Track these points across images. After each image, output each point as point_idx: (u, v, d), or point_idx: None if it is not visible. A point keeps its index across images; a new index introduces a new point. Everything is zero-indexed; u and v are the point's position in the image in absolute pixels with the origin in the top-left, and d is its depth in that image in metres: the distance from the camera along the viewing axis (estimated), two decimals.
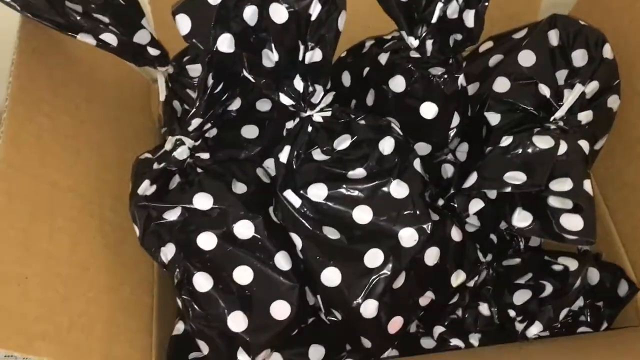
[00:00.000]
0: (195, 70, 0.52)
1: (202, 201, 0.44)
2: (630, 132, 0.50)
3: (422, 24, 0.42)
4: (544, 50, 0.50)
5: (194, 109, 0.47)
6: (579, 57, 0.48)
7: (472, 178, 0.44)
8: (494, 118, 0.49)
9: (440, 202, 0.52)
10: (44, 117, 0.44)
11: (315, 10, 0.41)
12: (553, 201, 0.41)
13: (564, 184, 0.41)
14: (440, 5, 0.41)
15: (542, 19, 0.53)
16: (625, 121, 0.50)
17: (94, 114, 0.50)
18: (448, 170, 0.55)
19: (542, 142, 0.43)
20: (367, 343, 0.45)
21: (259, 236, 0.44)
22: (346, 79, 0.55)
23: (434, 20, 0.42)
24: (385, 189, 0.44)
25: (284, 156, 0.44)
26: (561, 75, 0.49)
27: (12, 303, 0.36)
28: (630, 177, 0.50)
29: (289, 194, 0.43)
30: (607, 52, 0.48)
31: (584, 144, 0.46)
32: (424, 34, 0.43)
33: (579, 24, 0.50)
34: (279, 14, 0.41)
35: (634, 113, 0.50)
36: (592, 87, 0.47)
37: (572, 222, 0.40)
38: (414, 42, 0.43)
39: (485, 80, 0.52)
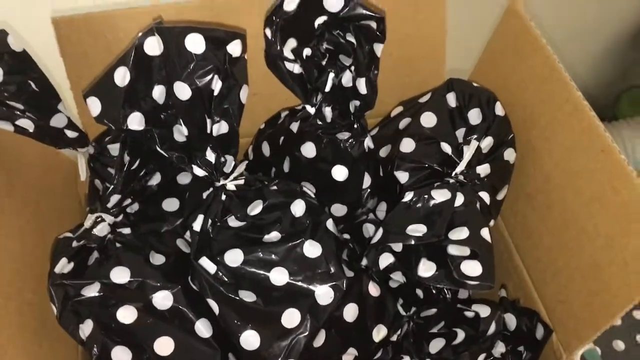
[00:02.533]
0: (116, 149, 0.54)
1: (119, 274, 0.45)
2: (530, 183, 0.53)
3: (317, 92, 0.46)
4: (444, 111, 0.53)
5: (112, 186, 0.49)
6: (475, 116, 0.52)
7: (379, 233, 0.46)
8: (403, 176, 0.52)
9: (365, 261, 0.54)
10: None
11: (216, 86, 0.43)
12: (452, 249, 0.43)
13: (461, 233, 0.44)
14: (331, 75, 0.44)
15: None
16: (525, 173, 0.54)
17: (15, 200, 0.51)
18: (370, 230, 0.57)
19: (440, 195, 0.46)
20: None
21: (178, 305, 0.45)
22: (265, 148, 0.58)
23: (327, 89, 0.45)
24: (299, 249, 0.46)
25: (197, 225, 0.46)
26: (460, 133, 0.52)
27: None
28: (535, 225, 0.53)
29: (204, 262, 0.44)
30: (499, 109, 0.52)
31: (484, 195, 0.49)
32: (319, 102, 0.46)
33: (473, 85, 0.54)
34: (183, 91, 0.44)
35: (531, 165, 0.53)
36: (487, 142, 0.50)
37: (471, 268, 0.42)
38: (311, 109, 0.46)
39: (395, 142, 0.55)
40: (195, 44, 0.42)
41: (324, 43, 0.45)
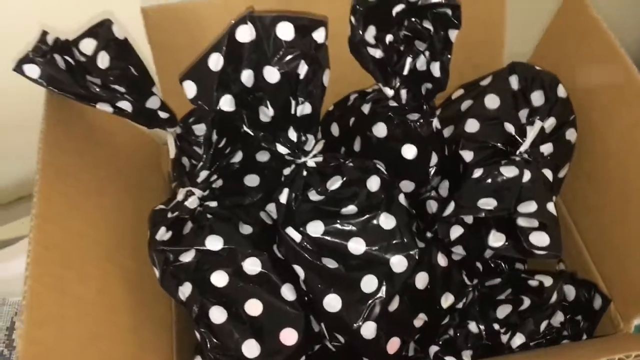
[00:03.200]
0: (200, 129, 0.58)
1: (214, 243, 0.49)
2: (590, 161, 0.56)
3: (396, 76, 0.49)
4: (507, 93, 0.56)
5: (201, 163, 0.53)
6: (537, 98, 0.55)
7: (450, 207, 0.50)
8: (468, 155, 0.55)
9: (428, 234, 0.58)
10: (72, 178, 0.50)
11: (302, 70, 0.47)
12: (521, 221, 0.47)
13: (529, 206, 0.47)
14: (409, 59, 0.48)
15: (503, 67, 0.60)
16: (585, 152, 0.56)
17: (113, 173, 0.56)
18: (432, 206, 0.61)
19: (508, 171, 0.49)
20: None
21: (265, 271, 0.49)
22: (335, 129, 0.62)
23: (405, 72, 0.48)
24: (375, 221, 0.49)
25: (283, 197, 0.50)
26: (523, 114, 0.56)
27: (52, 340, 0.41)
28: (594, 201, 0.56)
29: (290, 231, 0.49)
30: (561, 91, 0.55)
31: (547, 173, 0.52)
32: (397, 85, 0.49)
33: (535, 69, 0.57)
34: (272, 75, 0.47)
35: (591, 144, 0.56)
36: (550, 122, 0.53)
37: (540, 239, 0.46)
38: (389, 92, 0.50)
39: (458, 123, 0.58)
40: (285, 31, 0.46)
41: (403, 29, 0.48)
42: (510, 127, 0.54)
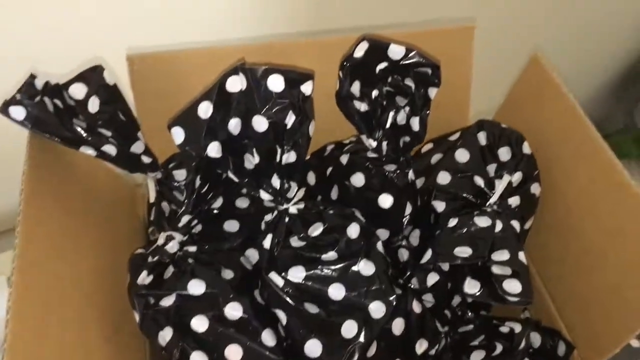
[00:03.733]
0: (180, 174, 0.59)
1: (196, 287, 0.50)
2: (552, 215, 0.60)
3: (379, 128, 0.52)
4: (475, 148, 0.60)
5: (183, 208, 0.54)
6: (504, 153, 0.59)
7: (428, 254, 0.52)
8: (440, 205, 0.58)
9: (400, 282, 0.60)
10: (52, 219, 0.50)
11: (290, 120, 0.49)
12: (496, 269, 0.49)
13: (502, 255, 0.50)
14: (392, 113, 0.51)
15: (471, 124, 0.64)
16: (547, 206, 0.60)
17: (91, 216, 0.56)
18: (404, 254, 0.63)
19: (482, 221, 0.52)
20: None
21: (246, 316, 0.50)
22: (311, 178, 0.63)
23: (387, 125, 0.51)
24: (354, 268, 0.51)
25: (267, 243, 0.51)
26: (491, 168, 0.59)
27: None
28: (556, 253, 0.59)
29: (273, 276, 0.50)
30: (526, 148, 0.59)
31: (515, 224, 0.55)
32: (380, 137, 0.52)
33: (501, 126, 0.61)
34: (260, 124, 0.49)
35: (553, 199, 0.60)
36: (517, 177, 0.57)
37: (512, 286, 0.48)
38: (372, 143, 0.53)
39: (429, 175, 0.61)
40: (276, 83, 0.48)
41: (386, 85, 0.51)
42: (479, 180, 0.58)
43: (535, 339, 0.57)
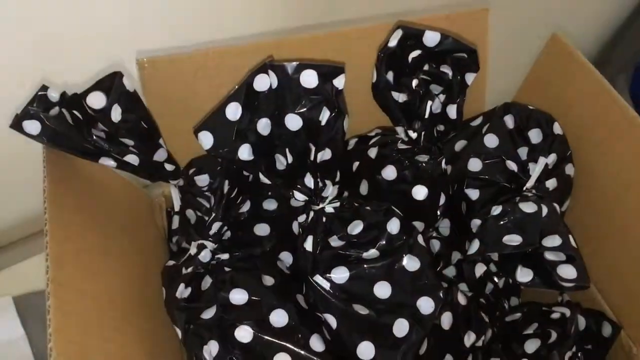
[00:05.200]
0: (202, 180, 0.57)
1: (238, 296, 0.47)
2: (586, 195, 0.59)
3: (417, 120, 0.50)
4: (504, 132, 0.58)
5: (213, 214, 0.52)
6: (535, 136, 0.57)
7: (475, 245, 0.51)
8: (473, 193, 0.56)
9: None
10: (78, 237, 0.47)
11: (324, 116, 0.47)
12: (549, 255, 0.48)
13: (554, 240, 0.48)
14: (429, 103, 0.49)
15: (494, 107, 0.62)
16: (580, 186, 0.59)
17: (114, 230, 0.53)
18: (435, 246, 0.62)
19: (527, 207, 0.50)
20: None
21: (293, 322, 0.48)
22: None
23: (426, 115, 0.49)
24: (399, 264, 0.49)
25: (308, 245, 0.49)
26: (522, 152, 0.58)
27: None
28: (592, 231, 0.58)
29: (318, 278, 0.48)
30: (557, 128, 0.57)
31: (556, 208, 0.54)
32: (419, 128, 0.50)
33: (529, 108, 0.59)
34: (294, 122, 0.47)
35: (587, 178, 0.58)
36: (552, 158, 0.56)
37: (568, 272, 0.47)
38: (412, 134, 0.51)
39: (456, 162, 0.60)
40: (309, 78, 0.46)
41: (423, 74, 0.49)
42: (512, 165, 0.56)
43: (580, 321, 0.56)
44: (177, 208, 0.55)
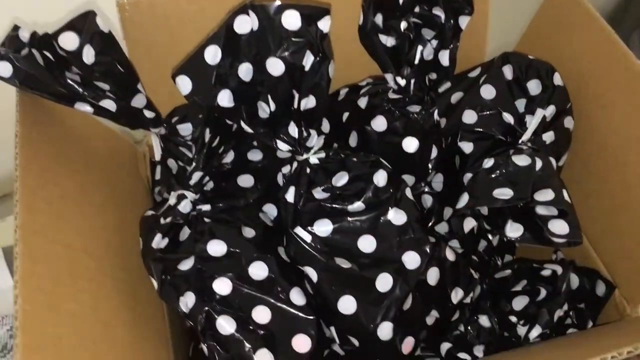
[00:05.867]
0: (185, 129, 0.55)
1: (216, 248, 0.46)
2: (586, 149, 0.56)
3: (406, 65, 0.47)
4: (502, 83, 0.56)
5: (194, 164, 0.50)
6: (534, 87, 0.55)
7: (464, 199, 0.49)
8: (467, 147, 0.54)
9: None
10: (52, 184, 0.46)
11: (308, 61, 0.45)
12: (540, 210, 0.46)
13: (546, 194, 0.46)
14: (420, 48, 0.46)
15: (493, 58, 0.59)
16: (579, 139, 0.56)
17: (93, 178, 0.52)
18: (427, 201, 0.59)
19: (520, 160, 0.48)
20: None
21: (273, 275, 0.46)
22: (325, 125, 0.59)
23: (416, 61, 0.47)
24: (384, 217, 0.48)
25: (290, 196, 0.47)
26: (520, 104, 0.55)
27: None
28: (592, 188, 0.56)
29: (299, 231, 0.46)
30: (558, 79, 0.55)
31: (552, 161, 0.51)
32: (408, 75, 0.48)
33: (529, 58, 0.56)
34: (276, 67, 0.45)
35: (587, 132, 0.56)
36: (551, 110, 0.53)
37: (559, 227, 0.45)
38: (401, 81, 0.48)
39: (451, 115, 0.57)
40: (291, 20, 0.43)
41: (412, 17, 0.46)
42: (509, 117, 0.54)
43: (573, 280, 0.54)
44: (158, 157, 0.53)
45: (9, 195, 0.77)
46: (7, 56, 0.44)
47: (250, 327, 0.45)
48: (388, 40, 0.47)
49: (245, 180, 0.54)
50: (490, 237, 0.58)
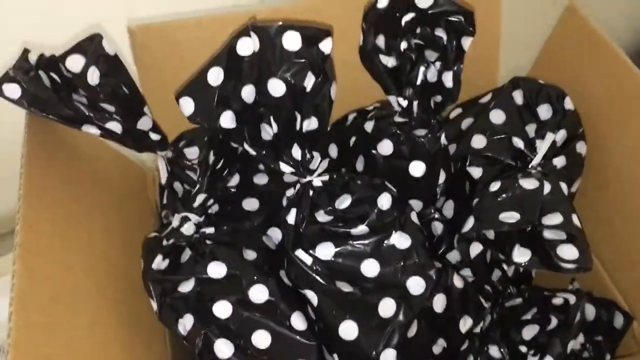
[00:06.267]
0: (191, 153, 0.55)
1: (216, 270, 0.45)
2: (599, 173, 0.55)
3: (408, 86, 0.47)
4: (512, 108, 0.55)
5: (198, 186, 0.50)
6: (544, 111, 0.54)
7: (470, 222, 0.47)
8: (476, 172, 0.53)
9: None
10: (56, 205, 0.46)
11: (309, 82, 0.45)
12: (548, 234, 0.44)
13: (554, 218, 0.45)
14: (422, 69, 0.46)
15: (504, 84, 0.59)
16: (593, 166, 0.55)
17: (100, 201, 0.52)
18: (438, 228, 0.58)
19: (528, 183, 0.47)
20: None
21: (273, 299, 0.45)
22: (333, 150, 0.59)
23: (418, 82, 0.46)
24: (388, 241, 0.46)
25: (291, 218, 0.47)
26: (530, 129, 0.54)
27: None
28: (607, 215, 0.54)
29: (300, 253, 0.45)
30: (568, 103, 0.53)
31: (563, 186, 0.50)
32: (410, 96, 0.47)
33: (539, 82, 0.55)
34: (277, 88, 0.45)
35: (601, 158, 0.54)
36: (562, 135, 0.52)
37: (568, 252, 0.43)
38: (403, 102, 0.48)
39: (461, 141, 0.56)
40: (292, 41, 0.43)
41: (414, 38, 0.46)
42: (519, 142, 0.53)
43: (589, 311, 0.52)
44: (163, 180, 0.53)
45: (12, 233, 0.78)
46: (15, 78, 0.45)
47: (249, 352, 0.44)
48: (389, 61, 0.46)
49: (251, 204, 0.53)
50: (505, 267, 0.56)
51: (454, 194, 0.57)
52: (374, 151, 0.53)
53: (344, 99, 0.60)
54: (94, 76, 0.46)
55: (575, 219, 0.45)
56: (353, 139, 0.56)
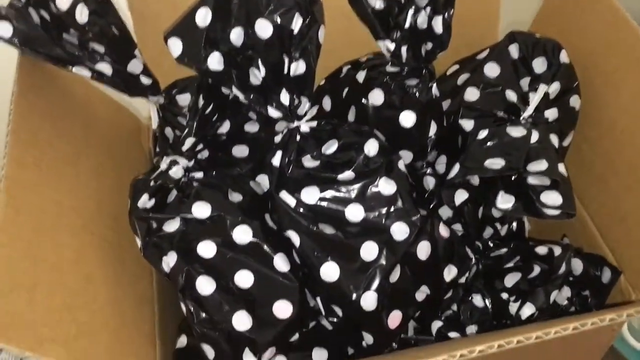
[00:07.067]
0: (184, 99, 0.55)
1: (201, 210, 0.46)
2: (594, 129, 0.54)
3: (396, 29, 0.47)
4: (507, 62, 0.54)
5: (187, 129, 0.50)
6: (539, 65, 0.53)
7: (455, 169, 0.47)
8: (468, 124, 0.53)
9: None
10: (45, 144, 0.47)
11: (297, 24, 0.44)
12: (532, 180, 0.44)
13: (540, 165, 0.44)
14: (411, 12, 0.45)
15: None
16: (588, 119, 0.54)
17: (91, 143, 0.52)
18: (430, 183, 0.58)
19: (516, 131, 0.46)
20: (368, 339, 0.46)
21: (257, 240, 0.46)
22: (327, 103, 0.59)
23: (406, 26, 0.46)
24: (374, 187, 0.46)
25: (276, 160, 0.47)
26: (525, 82, 0.53)
27: (22, 308, 0.37)
28: (600, 171, 0.54)
29: (284, 195, 0.45)
30: (564, 57, 0.53)
31: (553, 138, 0.49)
32: (399, 39, 0.47)
33: (535, 36, 0.55)
34: (264, 29, 0.44)
35: (595, 111, 0.54)
36: (555, 87, 0.51)
37: (552, 198, 0.43)
38: (390, 46, 0.47)
39: (456, 95, 0.56)
40: None
41: None
42: (512, 95, 0.52)
43: (577, 265, 0.51)
44: (154, 126, 0.54)
45: None
46: (6, 16, 0.45)
47: (231, 290, 0.44)
48: (377, 3, 0.46)
49: (240, 151, 0.54)
50: (498, 225, 0.56)
51: (446, 149, 0.56)
52: (364, 101, 0.52)
53: (342, 54, 0.60)
54: (82, 14, 0.46)
55: (561, 166, 0.45)
56: (346, 89, 0.56)
